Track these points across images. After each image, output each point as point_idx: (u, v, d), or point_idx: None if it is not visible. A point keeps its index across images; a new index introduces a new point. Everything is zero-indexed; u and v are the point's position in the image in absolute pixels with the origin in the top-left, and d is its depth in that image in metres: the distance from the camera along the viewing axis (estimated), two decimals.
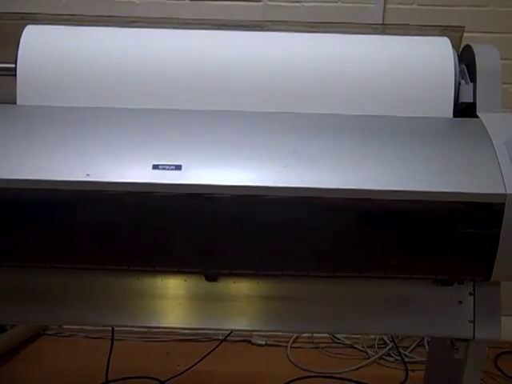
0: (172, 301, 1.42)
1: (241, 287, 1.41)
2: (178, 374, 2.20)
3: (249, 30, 1.47)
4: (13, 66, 1.39)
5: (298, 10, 2.33)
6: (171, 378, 2.21)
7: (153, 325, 1.42)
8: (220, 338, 2.34)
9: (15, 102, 1.38)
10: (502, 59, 1.39)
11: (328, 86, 1.39)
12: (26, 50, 1.40)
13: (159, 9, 2.32)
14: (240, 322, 1.42)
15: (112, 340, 1.88)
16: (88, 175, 1.19)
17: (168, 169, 1.20)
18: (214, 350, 2.20)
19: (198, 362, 2.20)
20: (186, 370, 2.20)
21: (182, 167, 1.20)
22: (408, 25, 1.55)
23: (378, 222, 1.23)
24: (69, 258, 1.31)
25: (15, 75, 1.39)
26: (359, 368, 2.39)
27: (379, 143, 1.28)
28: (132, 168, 1.21)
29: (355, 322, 1.41)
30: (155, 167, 1.20)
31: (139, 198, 1.20)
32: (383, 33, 1.55)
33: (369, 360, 2.46)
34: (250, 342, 2.55)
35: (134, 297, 1.40)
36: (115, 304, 1.41)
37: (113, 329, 1.88)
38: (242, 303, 1.41)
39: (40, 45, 1.41)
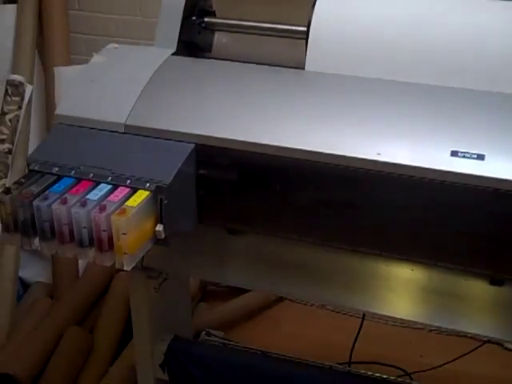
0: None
1: None
2: (426, 370, 2.05)
3: None
4: (304, 29, 1.32)
5: None
6: (418, 371, 2.06)
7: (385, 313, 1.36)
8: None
9: (303, 68, 1.31)
10: None
11: None
12: (320, 15, 1.31)
13: None
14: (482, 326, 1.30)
15: (361, 323, 1.80)
16: (379, 154, 1.09)
17: (469, 157, 1.06)
18: (469, 353, 1.98)
19: (452, 361, 2.02)
20: (436, 367, 2.03)
21: (485, 157, 1.05)
22: None
23: None
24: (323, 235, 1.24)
25: (306, 39, 1.31)
26: None
27: None
28: (428, 152, 1.08)
29: None
30: (454, 154, 1.06)
31: (431, 186, 1.08)
32: None
33: None
34: (501, 345, 2.32)
35: (378, 282, 1.33)
36: (360, 287, 1.34)
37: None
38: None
39: (335, 8, 1.31)
